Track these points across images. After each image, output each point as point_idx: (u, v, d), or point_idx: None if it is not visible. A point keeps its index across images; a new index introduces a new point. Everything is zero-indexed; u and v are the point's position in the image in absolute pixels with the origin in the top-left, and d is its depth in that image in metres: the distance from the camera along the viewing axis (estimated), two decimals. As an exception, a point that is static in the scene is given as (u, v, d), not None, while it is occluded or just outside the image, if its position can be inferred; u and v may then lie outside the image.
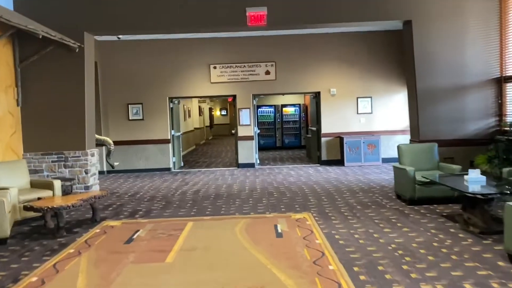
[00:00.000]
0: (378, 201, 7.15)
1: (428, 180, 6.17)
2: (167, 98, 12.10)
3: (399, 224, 5.70)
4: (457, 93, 8.38)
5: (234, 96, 12.19)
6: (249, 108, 12.09)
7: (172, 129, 12.34)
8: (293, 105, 18.00)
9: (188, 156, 16.38)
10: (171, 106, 12.31)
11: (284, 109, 17.95)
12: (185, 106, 18.35)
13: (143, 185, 9.84)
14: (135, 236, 5.54)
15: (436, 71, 8.33)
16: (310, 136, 13.65)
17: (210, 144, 23.42)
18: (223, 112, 33.00)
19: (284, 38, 11.92)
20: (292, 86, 12.04)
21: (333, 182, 9.21)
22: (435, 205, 6.64)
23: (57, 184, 6.77)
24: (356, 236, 5.25)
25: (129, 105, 12.05)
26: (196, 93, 12.18)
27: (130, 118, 12.07)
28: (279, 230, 5.54)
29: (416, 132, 8.54)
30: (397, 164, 7.33)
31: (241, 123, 12.12)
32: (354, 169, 11.13)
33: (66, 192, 7.52)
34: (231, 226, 5.84)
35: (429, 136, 8.23)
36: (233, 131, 12.60)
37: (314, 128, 12.62)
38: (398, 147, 7.45)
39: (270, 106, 18.02)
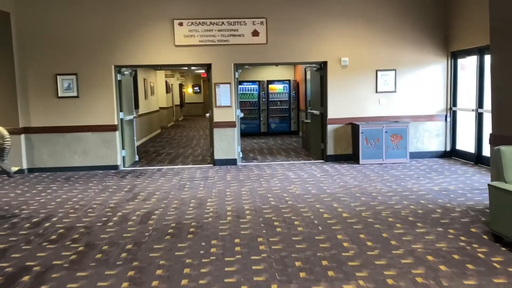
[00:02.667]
0: (468, 251, 4.00)
1: None
2: (113, 67, 8.56)
3: None
4: None
5: (209, 66, 8.75)
6: (229, 83, 8.69)
7: (121, 110, 8.84)
8: (282, 81, 14.67)
9: (149, 144, 12.89)
10: (118, 78, 8.78)
11: (270, 86, 14.60)
12: (146, 81, 14.74)
13: (67, 198, 6.42)
14: None
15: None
16: (309, 121, 10.40)
17: (180, 127, 19.89)
18: (196, 89, 29.38)
19: (279, -15, 8.53)
20: (289, 54, 8.69)
21: (358, 195, 6.04)
22: None
23: None
24: None
25: (58, 77, 8.46)
26: (153, 61, 8.65)
27: (59, 95, 8.50)
28: None
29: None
30: (498, 184, 4.17)
31: (218, 104, 8.73)
32: (375, 169, 8.00)
33: None
34: None
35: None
36: (207, 114, 9.22)
37: (316, 112, 9.36)
38: (499, 151, 4.25)
39: (253, 82, 14.63)
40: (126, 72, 9.08)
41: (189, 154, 10.77)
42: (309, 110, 9.92)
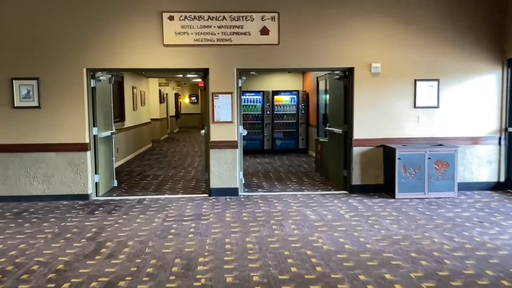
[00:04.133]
0: None
1: None
2: (85, 71, 6.78)
3: None
4: None
5: (205, 72, 6.98)
6: (230, 93, 6.91)
7: (94, 125, 7.04)
8: (289, 92, 12.89)
9: (135, 163, 11.07)
10: (92, 85, 6.99)
11: (275, 97, 12.82)
12: (136, 90, 12.97)
13: (2, 250, 4.57)
14: None
15: None
16: (326, 141, 8.62)
17: (174, 140, 18.09)
18: (193, 99, 27.65)
19: (296, -28, 6.80)
20: (306, 58, 6.94)
21: (414, 256, 4.22)
22: None
23: None
24: None
25: (14, 82, 6.67)
26: (137, 63, 6.86)
27: (16, 105, 6.71)
28: None
29: None
30: None
31: (216, 119, 6.94)
32: (418, 206, 6.20)
33: None
34: None
35: None
36: (202, 131, 7.42)
37: (337, 130, 7.56)
38: None
39: (256, 92, 12.85)
40: (102, 78, 7.29)
41: (180, 177, 8.95)
42: (327, 128, 8.12)
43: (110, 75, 7.74)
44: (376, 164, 7.13)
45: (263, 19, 6.80)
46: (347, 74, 7.18)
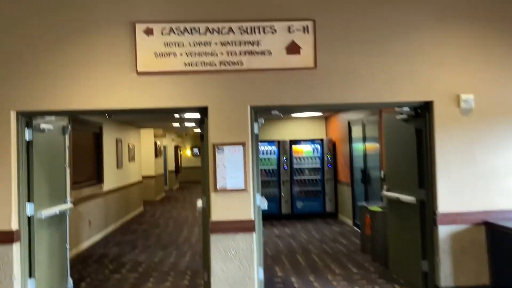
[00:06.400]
0: None
1: None
2: (13, 115, 4.31)
3: None
4: None
5: (203, 112, 4.47)
6: (242, 144, 4.38)
7: (29, 199, 4.47)
8: (311, 141, 10.39)
9: (114, 238, 8.37)
10: (27, 138, 4.49)
11: (294, 147, 10.30)
12: (121, 143, 10.54)
13: None
14: None
15: None
16: (380, 210, 5.97)
17: (172, 200, 15.43)
18: (196, 151, 25.26)
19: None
20: (357, 88, 4.46)
21: None
22: None
23: None
24: None
25: None
26: (95, 103, 4.34)
27: None
28: None
29: None
30: None
31: (220, 186, 4.36)
32: None
33: None
34: None
35: None
36: (198, 205, 4.80)
37: (405, 198, 4.91)
38: None
39: (270, 142, 10.36)
40: (46, 127, 4.80)
41: (169, 266, 6.24)
42: (385, 193, 5.49)
43: (65, 123, 5.29)
44: (477, 253, 4.46)
45: (291, 30, 4.41)
46: (421, 112, 4.67)
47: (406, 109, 4.75)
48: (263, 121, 4.71)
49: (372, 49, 4.48)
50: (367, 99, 4.58)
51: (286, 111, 6.12)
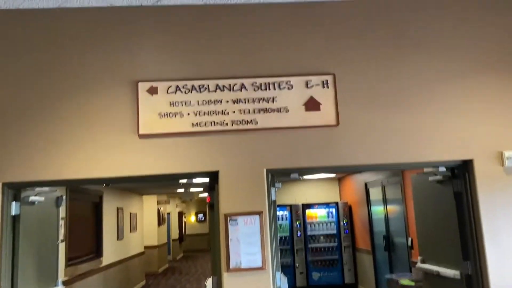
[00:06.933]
0: None
1: None
2: (-5, 185, 3.81)
3: None
4: None
5: (213, 177, 3.95)
6: (258, 213, 3.81)
7: (13, 283, 3.83)
8: (325, 205, 9.77)
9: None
10: (13, 213, 3.94)
11: (307, 212, 9.67)
12: (122, 212, 9.95)
13: None
14: None
15: None
16: (413, 284, 5.24)
17: (176, 271, 14.48)
18: (200, 217, 24.45)
19: (363, 6, 4.16)
20: (386, 146, 3.96)
21: None
22: None
23: None
24: None
25: None
26: (91, 171, 3.84)
27: None
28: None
29: None
30: None
31: (233, 265, 3.73)
32: None
33: None
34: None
35: None
36: (207, 284, 4.14)
37: (444, 272, 4.24)
38: None
39: (281, 207, 9.74)
40: (36, 199, 4.28)
41: None
42: (420, 265, 4.80)
43: (59, 194, 4.78)
44: None
45: (309, 85, 4.01)
46: (458, 173, 4.14)
47: (441, 169, 4.21)
48: (280, 185, 4.19)
49: (400, 103, 4.04)
50: (397, 159, 4.05)
51: (305, 173, 5.59)
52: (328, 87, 4.02)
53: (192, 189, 12.16)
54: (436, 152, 4.02)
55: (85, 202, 7.69)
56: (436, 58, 4.13)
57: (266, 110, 3.95)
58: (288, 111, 3.96)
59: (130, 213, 10.84)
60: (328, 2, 4.16)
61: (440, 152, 4.03)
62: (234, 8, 4.10)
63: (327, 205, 9.63)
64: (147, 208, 13.26)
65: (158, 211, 14.62)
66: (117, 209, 9.53)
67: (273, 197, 4.01)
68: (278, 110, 3.96)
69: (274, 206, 4.00)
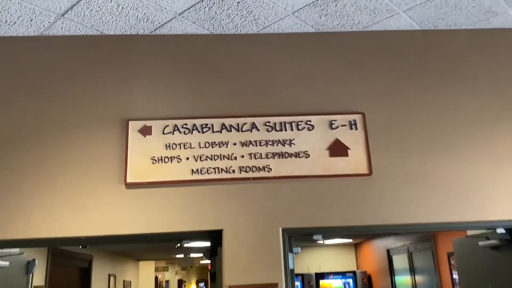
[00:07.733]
0: None
1: None
2: None
3: None
4: None
5: (216, 238, 3.14)
6: (273, 286, 2.95)
7: None
8: (341, 274, 8.72)
9: None
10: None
11: (322, 283, 8.60)
12: (115, 280, 8.96)
13: None
14: None
15: None
16: None
17: None
18: (202, 286, 22.89)
19: (399, 36, 3.59)
20: (429, 203, 3.19)
21: None
22: None
23: None
24: None
25: None
26: (64, 229, 3.07)
27: None
28: None
29: None
30: None
31: None
32: None
33: None
34: None
35: None
36: None
37: None
38: None
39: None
40: (2, 263, 3.47)
41: None
42: None
43: (30, 258, 3.97)
44: None
45: (333, 126, 3.33)
46: (521, 235, 3.32)
47: (500, 230, 3.39)
48: (299, 249, 3.36)
49: (447, 148, 3.32)
50: (445, 218, 3.25)
51: (331, 235, 4.75)
52: (356, 129, 3.33)
53: (193, 255, 11.15)
54: (496, 210, 3.23)
55: (71, 267, 6.78)
56: (488, 97, 3.47)
57: (281, 155, 3.23)
58: (309, 156, 3.25)
59: (124, 281, 9.79)
60: (357, 32, 3.59)
61: (498, 210, 3.24)
62: (244, 37, 3.54)
63: (343, 275, 8.55)
64: (143, 275, 12.14)
65: (156, 278, 13.45)
66: (109, 276, 8.54)
67: (290, 265, 3.17)
68: (296, 155, 3.24)
69: (292, 276, 3.15)
